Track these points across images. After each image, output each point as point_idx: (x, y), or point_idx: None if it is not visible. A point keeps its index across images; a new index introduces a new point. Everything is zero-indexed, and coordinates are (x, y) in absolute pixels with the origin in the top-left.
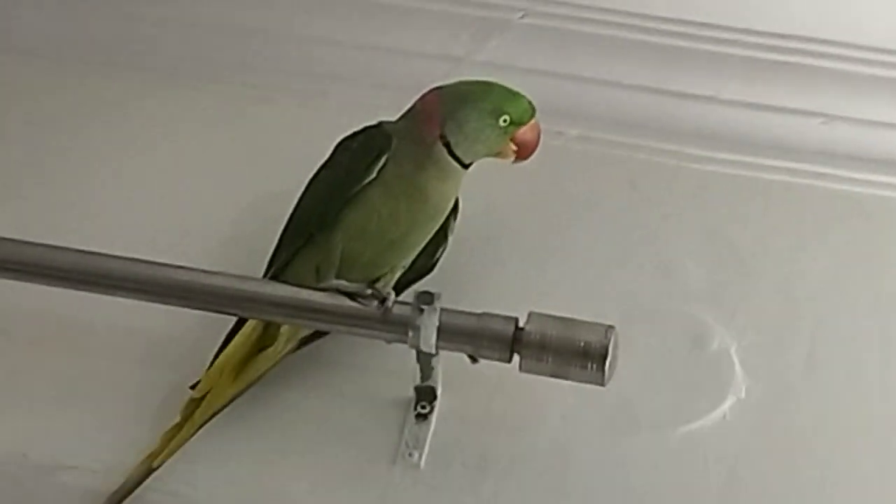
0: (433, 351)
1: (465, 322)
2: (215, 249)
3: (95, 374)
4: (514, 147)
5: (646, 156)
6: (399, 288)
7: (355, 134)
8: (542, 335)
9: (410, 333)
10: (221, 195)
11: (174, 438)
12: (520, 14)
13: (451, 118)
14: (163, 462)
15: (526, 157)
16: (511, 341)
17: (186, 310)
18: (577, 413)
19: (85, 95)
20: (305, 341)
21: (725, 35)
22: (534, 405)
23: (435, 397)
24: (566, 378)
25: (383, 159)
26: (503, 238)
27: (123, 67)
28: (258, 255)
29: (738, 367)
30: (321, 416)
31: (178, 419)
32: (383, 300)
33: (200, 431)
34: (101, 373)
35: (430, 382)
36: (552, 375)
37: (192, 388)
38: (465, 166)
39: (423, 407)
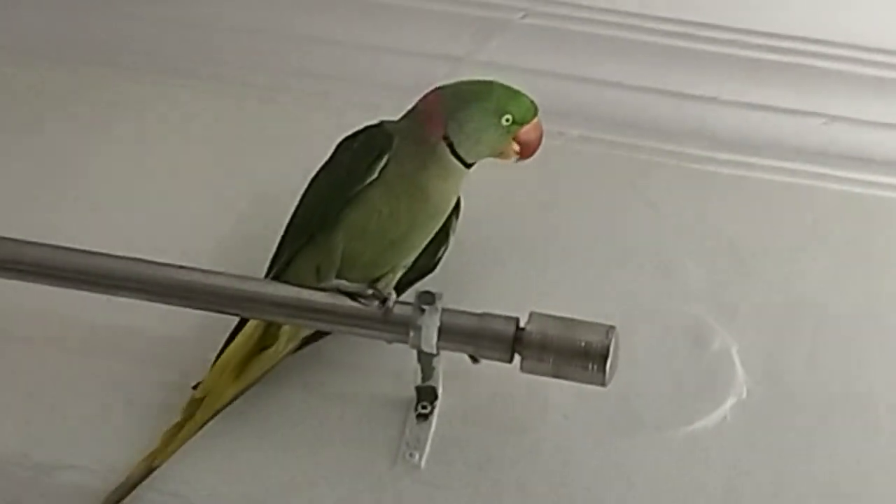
0: (434, 351)
1: (466, 322)
2: (216, 249)
3: (96, 374)
4: (516, 146)
5: (646, 156)
6: (401, 287)
7: (356, 133)
8: (543, 335)
9: (411, 333)
10: (222, 195)
11: (175, 438)
12: (521, 14)
13: (454, 118)
14: (163, 461)
15: (528, 157)
16: (512, 341)
17: (187, 310)
18: (577, 413)
19: (85, 95)
20: (306, 341)
21: (726, 36)
22: (535, 405)
23: (436, 397)
24: (567, 378)
25: (385, 159)
26: (504, 238)
27: (124, 67)
28: (259, 254)
29: (738, 368)
30: (322, 416)
31: (178, 418)
32: (384, 300)
33: (201, 431)
34: (102, 373)
35: (430, 382)
36: (553, 376)
37: (195, 387)
38: (468, 166)
39: (424, 407)
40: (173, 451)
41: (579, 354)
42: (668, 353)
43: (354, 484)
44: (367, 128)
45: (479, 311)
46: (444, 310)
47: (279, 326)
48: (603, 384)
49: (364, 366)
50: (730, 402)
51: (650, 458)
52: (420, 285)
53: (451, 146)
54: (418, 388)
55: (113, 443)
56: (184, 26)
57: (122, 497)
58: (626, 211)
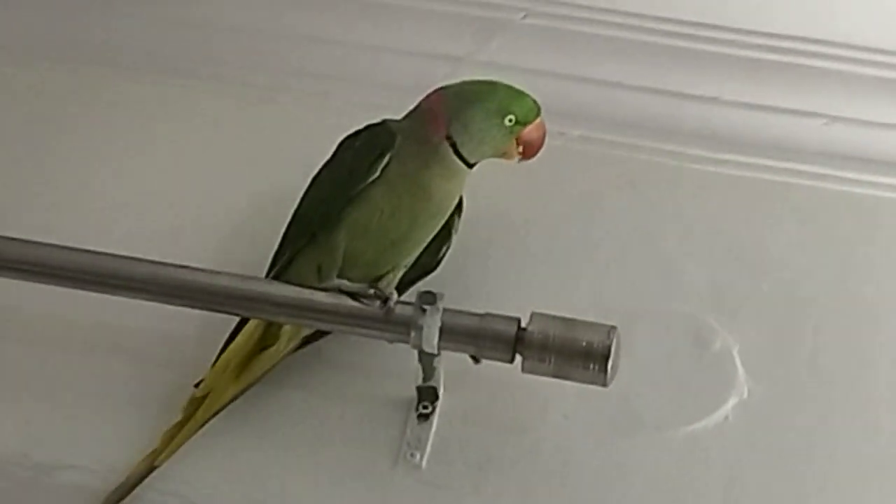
0: (435, 351)
1: (468, 322)
2: (217, 249)
3: (96, 374)
4: (519, 146)
5: (647, 156)
6: (403, 286)
7: (358, 132)
8: (544, 336)
9: (412, 333)
10: (223, 195)
11: (176, 437)
12: (521, 14)
13: (457, 118)
14: (164, 460)
15: (531, 157)
16: (513, 342)
17: (188, 309)
18: (579, 413)
19: (86, 95)
20: (307, 340)
21: (727, 36)
22: (536, 406)
23: (437, 397)
24: (568, 378)
25: (387, 157)
26: (505, 239)
27: (124, 67)
28: (260, 254)
29: (740, 368)
30: (323, 416)
31: (179, 417)
32: (385, 300)
33: (202, 431)
34: (102, 372)
35: (431, 383)
36: (554, 376)
37: (197, 386)
38: (470, 166)
39: (425, 407)
40: (174, 451)
41: (580, 355)
42: (669, 354)
43: (355, 484)
44: (369, 126)
45: (480, 311)
46: (445, 310)
47: (280, 326)
48: (604, 384)
49: (365, 366)
50: (731, 402)
51: (651, 458)
52: (422, 285)
53: (453, 146)
54: (419, 389)
55: (113, 443)
56: (184, 26)
57: (123, 496)
58: (627, 211)
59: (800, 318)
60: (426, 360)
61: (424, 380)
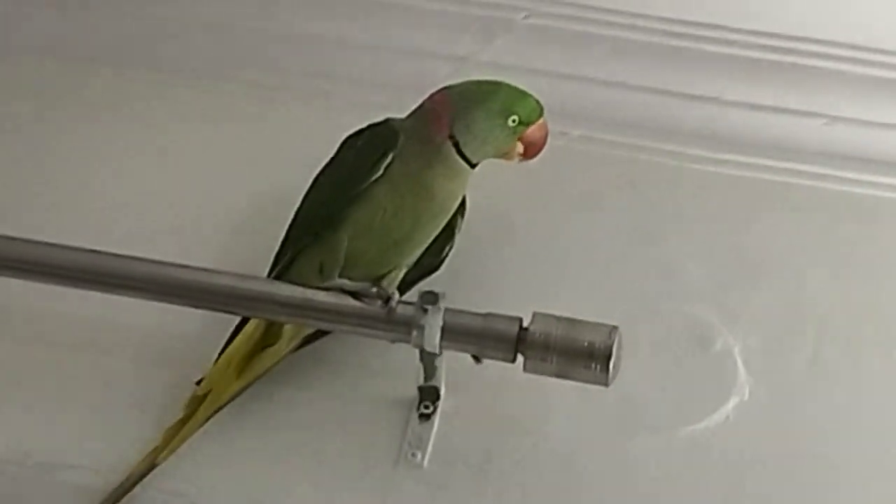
0: (437, 351)
1: (469, 322)
2: (219, 248)
3: (97, 374)
4: (520, 147)
5: (648, 156)
6: (406, 286)
7: (361, 131)
8: (546, 335)
9: (414, 333)
10: (224, 194)
11: (177, 435)
12: (523, 14)
13: (461, 118)
14: (165, 458)
15: (532, 157)
16: (515, 341)
17: (188, 309)
18: (580, 413)
19: (85, 95)
20: (309, 339)
21: (728, 36)
22: (537, 405)
23: (438, 397)
24: (570, 378)
25: (390, 156)
26: (507, 238)
27: (124, 67)
28: (260, 254)
29: (741, 368)
30: (324, 415)
31: (181, 415)
32: (387, 299)
33: (203, 431)
34: (104, 372)
35: (433, 382)
36: (556, 376)
37: (198, 383)
38: (473, 166)
39: (427, 407)
40: (175, 448)
41: (582, 354)
42: (671, 354)
43: (356, 483)
44: (372, 125)
45: (482, 310)
46: (447, 309)
47: (281, 325)
48: (606, 384)
49: (367, 365)
50: (732, 402)
51: (652, 458)
52: (424, 284)
53: (456, 146)
54: (421, 388)
55: (114, 442)
56: (185, 26)
57: (124, 494)
58: (628, 211)
59: (801, 318)
60: (428, 359)
61: (426, 379)
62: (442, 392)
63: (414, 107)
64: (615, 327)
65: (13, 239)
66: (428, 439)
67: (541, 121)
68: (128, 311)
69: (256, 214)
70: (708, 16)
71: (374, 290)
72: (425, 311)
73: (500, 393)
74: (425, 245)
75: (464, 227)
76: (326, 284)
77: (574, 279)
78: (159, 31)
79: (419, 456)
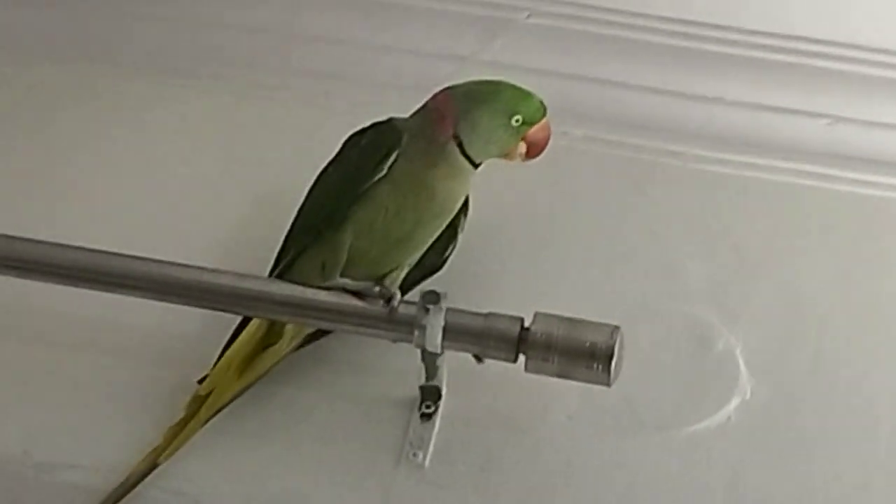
0: (438, 350)
1: (471, 322)
2: (220, 248)
3: (98, 373)
4: (523, 146)
5: (651, 156)
6: (408, 285)
7: (364, 130)
8: (547, 335)
9: (416, 333)
10: (224, 194)
11: (179, 434)
12: (525, 14)
13: (465, 118)
14: (167, 458)
15: (535, 157)
16: (517, 341)
17: (189, 308)
18: (582, 413)
19: (85, 95)
20: (311, 338)
21: (731, 36)
22: (539, 405)
23: (440, 397)
24: (571, 378)
25: (394, 156)
26: (508, 238)
27: (124, 67)
28: (261, 254)
29: (742, 368)
30: (325, 415)
31: (182, 415)
32: (389, 299)
33: (205, 430)
34: (105, 371)
35: (434, 382)
36: (558, 376)
37: (200, 382)
38: (476, 165)
39: (428, 406)
40: (177, 448)
41: (584, 354)
42: (672, 354)
43: (358, 483)
44: (375, 124)
45: (483, 310)
46: (448, 309)
47: (283, 324)
48: (607, 384)
49: (368, 365)
50: (733, 402)
51: (653, 458)
52: (426, 284)
53: (460, 146)
54: (422, 388)
55: (115, 442)
56: (185, 25)
57: (126, 493)
58: (631, 211)
59: (803, 318)
60: (429, 359)
61: (427, 379)
62: (443, 392)
63: (416, 107)
64: (617, 327)
65: (13, 238)
66: (429, 439)
67: (544, 121)
68: (128, 311)
69: (257, 214)
70: (711, 16)
71: (377, 289)
72: (427, 310)
73: (502, 393)
74: (427, 245)
75: (466, 226)
76: (328, 284)
77: (575, 279)
78: (159, 31)
79: (420, 456)
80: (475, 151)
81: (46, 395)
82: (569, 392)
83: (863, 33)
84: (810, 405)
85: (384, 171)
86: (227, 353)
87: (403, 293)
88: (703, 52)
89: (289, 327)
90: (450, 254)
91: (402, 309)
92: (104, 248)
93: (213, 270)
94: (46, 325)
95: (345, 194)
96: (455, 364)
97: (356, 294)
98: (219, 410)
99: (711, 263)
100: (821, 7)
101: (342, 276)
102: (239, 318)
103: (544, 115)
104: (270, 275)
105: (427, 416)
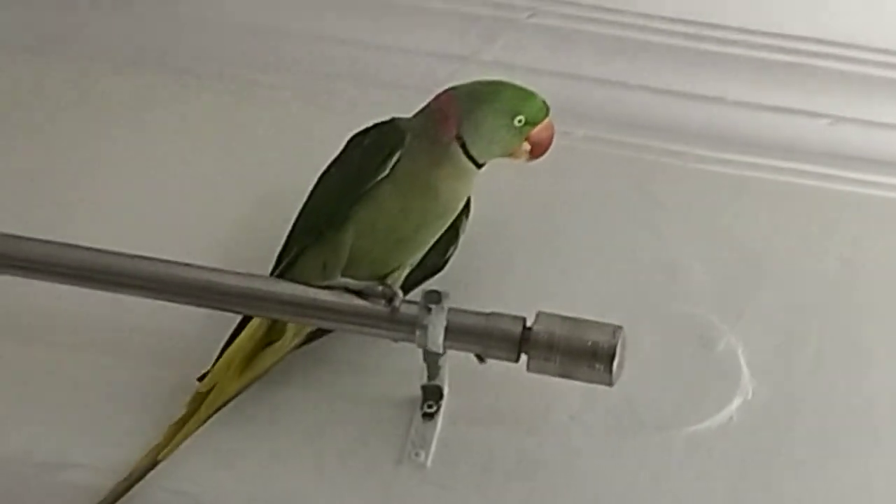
0: (440, 350)
1: (473, 321)
2: (221, 247)
3: (100, 372)
4: (526, 146)
5: (652, 156)
6: (410, 286)
7: (367, 130)
8: (549, 335)
9: (418, 332)
10: (224, 194)
11: (179, 432)
12: (527, 13)
13: (468, 118)
14: (168, 455)
15: (538, 157)
16: (519, 341)
17: (190, 308)
18: (584, 413)
19: (85, 95)
20: (313, 336)
21: (732, 36)
22: (541, 405)
23: (442, 397)
24: (574, 378)
25: (396, 156)
26: (510, 238)
27: (125, 67)
28: (262, 253)
29: (744, 368)
30: (327, 414)
31: (183, 412)
32: (391, 299)
33: (205, 430)
34: (106, 370)
35: (436, 382)
36: (560, 375)
37: (200, 379)
38: (479, 166)
39: (430, 406)
40: (177, 446)
41: (586, 354)
42: (674, 354)
43: (359, 482)
44: (378, 124)
45: (485, 310)
46: (450, 309)
47: (285, 323)
48: (609, 384)
49: (370, 365)
50: (735, 402)
51: (655, 458)
52: (428, 284)
53: (463, 146)
54: (424, 388)
55: (116, 442)
56: (186, 24)
57: (126, 491)
58: (633, 211)
59: (805, 318)
60: (431, 359)
61: (429, 379)
62: (445, 391)
63: (417, 107)
64: (619, 327)
65: (14, 237)
66: (431, 439)
67: (547, 120)
68: (128, 310)
69: (258, 213)
70: (712, 16)
71: (379, 288)
72: (429, 310)
73: (504, 392)
74: (429, 245)
75: (468, 227)
76: (330, 283)
77: (577, 279)
78: (160, 31)
79: (422, 455)
80: (478, 152)
81: (46, 395)
82: (571, 392)
83: (864, 33)
84: (812, 405)
85: (387, 171)
86: (228, 350)
87: (405, 293)
88: (705, 52)
89: (290, 326)
90: (451, 254)
91: (404, 308)
92: (105, 247)
93: (215, 270)
94: (46, 326)
95: (347, 194)
96: (457, 364)
97: (358, 294)
98: (219, 408)
99: (714, 263)
100: (822, 7)
101: (344, 275)
102: (239, 317)
103: (547, 114)
104: (272, 274)
105: (429, 416)
